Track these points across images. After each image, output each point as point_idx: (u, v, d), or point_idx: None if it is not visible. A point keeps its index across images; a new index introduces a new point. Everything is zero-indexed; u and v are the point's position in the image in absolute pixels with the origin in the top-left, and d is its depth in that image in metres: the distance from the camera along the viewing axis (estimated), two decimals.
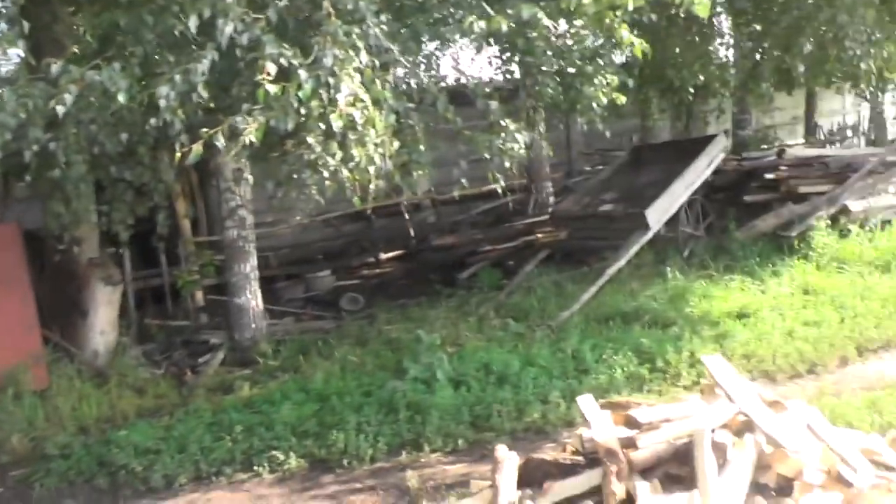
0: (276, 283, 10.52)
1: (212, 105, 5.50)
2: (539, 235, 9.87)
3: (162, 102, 5.03)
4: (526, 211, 11.14)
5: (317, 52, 5.20)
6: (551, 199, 10.98)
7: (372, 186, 5.54)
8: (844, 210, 9.14)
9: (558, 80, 6.67)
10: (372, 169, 5.38)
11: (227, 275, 8.38)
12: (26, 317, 7.33)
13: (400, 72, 6.15)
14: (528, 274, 9.13)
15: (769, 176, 9.70)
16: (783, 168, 9.79)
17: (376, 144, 5.36)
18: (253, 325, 8.27)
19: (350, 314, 9.58)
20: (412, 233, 11.29)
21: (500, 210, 11.61)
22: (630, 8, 5.84)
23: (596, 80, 6.36)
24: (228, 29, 5.14)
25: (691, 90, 10.56)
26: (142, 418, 6.77)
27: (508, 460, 4.18)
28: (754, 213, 9.74)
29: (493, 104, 6.35)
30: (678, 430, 3.91)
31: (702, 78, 10.18)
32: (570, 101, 6.88)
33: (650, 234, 8.59)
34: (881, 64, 9.67)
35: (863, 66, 9.15)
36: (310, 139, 5.28)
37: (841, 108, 16.84)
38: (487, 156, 6.34)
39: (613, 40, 6.14)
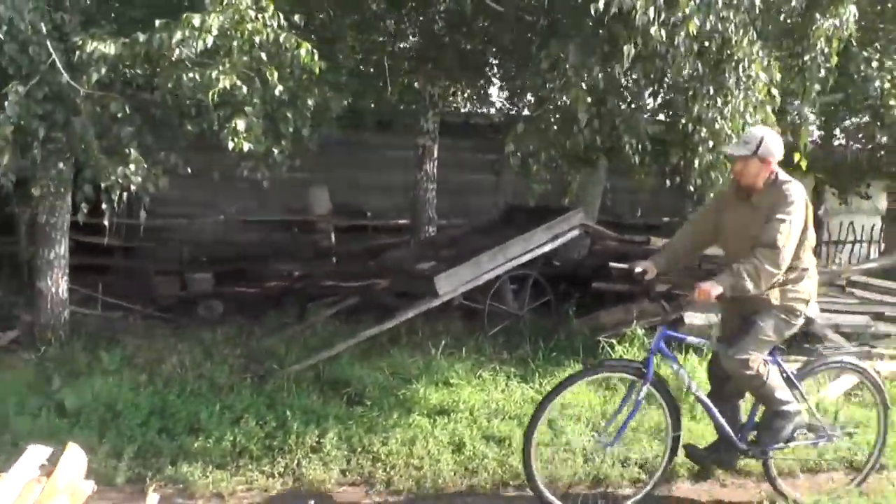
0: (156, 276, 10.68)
1: None
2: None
3: None
4: None
5: None
6: None
7: None
8: (679, 321, 7.90)
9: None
10: None
11: (35, 258, 8.51)
12: None
13: None
14: (325, 320, 8.65)
15: (616, 265, 8.59)
16: None
17: None
18: (49, 311, 8.32)
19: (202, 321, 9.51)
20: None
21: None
22: None
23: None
24: None
25: None
26: None
27: None
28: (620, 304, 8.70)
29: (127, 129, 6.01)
30: None
31: None
32: None
33: (437, 302, 7.86)
34: None
35: None
36: None
37: None
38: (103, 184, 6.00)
39: None
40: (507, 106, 10.90)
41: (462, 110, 12.51)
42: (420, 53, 9.26)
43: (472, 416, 6.58)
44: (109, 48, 5.36)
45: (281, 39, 5.47)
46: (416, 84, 9.36)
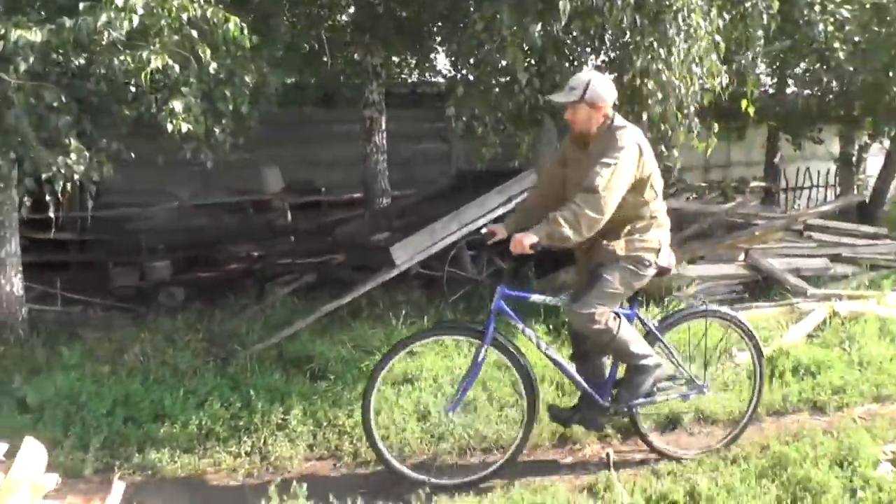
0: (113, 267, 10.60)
1: None
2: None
3: None
4: None
5: None
6: None
7: None
8: None
9: None
10: None
11: None
12: None
13: None
14: (283, 298, 8.65)
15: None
16: None
17: None
18: (6, 310, 8.19)
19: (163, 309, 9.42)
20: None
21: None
22: None
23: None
24: None
25: None
26: None
27: None
28: None
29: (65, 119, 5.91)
30: None
31: None
32: None
33: (395, 272, 7.86)
34: None
35: None
36: None
37: None
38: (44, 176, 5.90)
39: None
40: (452, 72, 10.88)
41: (408, 80, 12.50)
42: (357, 25, 9.17)
43: (436, 383, 6.58)
44: (36, 36, 5.25)
45: (208, 14, 5.40)
46: (356, 56, 9.28)
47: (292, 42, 8.71)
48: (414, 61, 10.73)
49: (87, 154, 5.81)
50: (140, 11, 5.10)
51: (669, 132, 7.74)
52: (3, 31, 5.24)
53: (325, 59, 8.64)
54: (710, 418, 6.08)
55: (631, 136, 4.69)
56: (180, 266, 10.81)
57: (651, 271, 4.90)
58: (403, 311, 7.92)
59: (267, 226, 11.42)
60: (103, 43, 5.24)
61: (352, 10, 9.36)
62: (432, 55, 10.76)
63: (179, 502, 5.04)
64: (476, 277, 8.75)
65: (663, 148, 7.76)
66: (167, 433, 5.83)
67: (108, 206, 11.26)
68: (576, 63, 7.87)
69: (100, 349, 7.43)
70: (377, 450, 5.15)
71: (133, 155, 6.73)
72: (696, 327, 5.57)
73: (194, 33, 5.50)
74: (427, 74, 11.27)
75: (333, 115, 12.37)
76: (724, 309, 5.55)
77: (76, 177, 5.81)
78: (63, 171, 5.67)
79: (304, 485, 4.72)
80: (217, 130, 6.00)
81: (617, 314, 4.87)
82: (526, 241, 4.55)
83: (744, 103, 8.22)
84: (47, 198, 6.20)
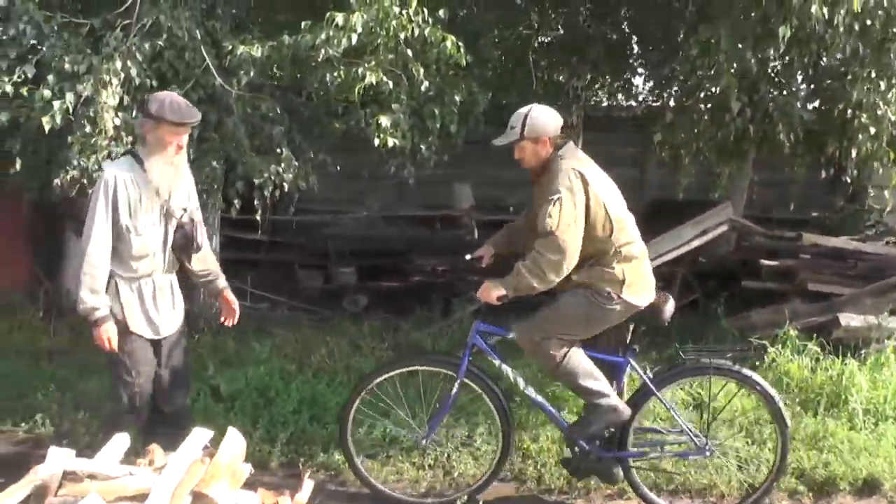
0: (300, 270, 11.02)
1: None
2: None
3: None
4: None
5: None
6: None
7: None
8: (834, 322, 7.51)
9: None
10: None
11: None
12: None
13: None
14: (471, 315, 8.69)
15: (767, 262, 8.25)
16: (804, 256, 8.23)
17: None
18: (202, 301, 8.64)
19: (347, 313, 9.72)
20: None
21: None
22: None
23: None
24: None
25: None
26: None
27: None
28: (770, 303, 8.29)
29: (278, 129, 6.21)
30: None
31: None
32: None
33: None
34: None
35: None
36: None
37: None
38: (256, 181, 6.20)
39: None
40: (651, 97, 10.67)
41: (603, 104, 12.34)
42: (564, 46, 9.16)
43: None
44: (257, 51, 5.59)
45: (426, 34, 5.53)
46: (560, 78, 9.26)
47: (500, 62, 8.80)
48: (615, 84, 10.58)
49: (296, 163, 6.06)
50: (359, 30, 5.28)
51: (880, 171, 7.29)
52: (230, 47, 5.57)
53: (530, 79, 8.68)
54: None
55: (569, 164, 4.49)
56: (365, 273, 11.06)
57: (615, 306, 4.58)
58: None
59: (454, 241, 11.49)
60: (319, 59, 5.47)
61: (559, 31, 9.35)
62: (633, 78, 10.60)
63: None
64: None
65: (870, 188, 7.28)
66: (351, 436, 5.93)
67: (301, 212, 11.66)
68: (785, 93, 7.53)
69: (287, 347, 7.70)
70: (358, 473, 5.26)
71: (338, 167, 6.97)
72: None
73: (409, 52, 5.65)
74: (631, 99, 11.08)
75: None
76: (736, 367, 4.98)
77: (284, 184, 6.08)
78: (273, 178, 5.95)
79: None
80: (423, 147, 6.14)
81: (569, 343, 4.66)
82: (493, 293, 4.53)
83: None
84: (255, 202, 6.49)
